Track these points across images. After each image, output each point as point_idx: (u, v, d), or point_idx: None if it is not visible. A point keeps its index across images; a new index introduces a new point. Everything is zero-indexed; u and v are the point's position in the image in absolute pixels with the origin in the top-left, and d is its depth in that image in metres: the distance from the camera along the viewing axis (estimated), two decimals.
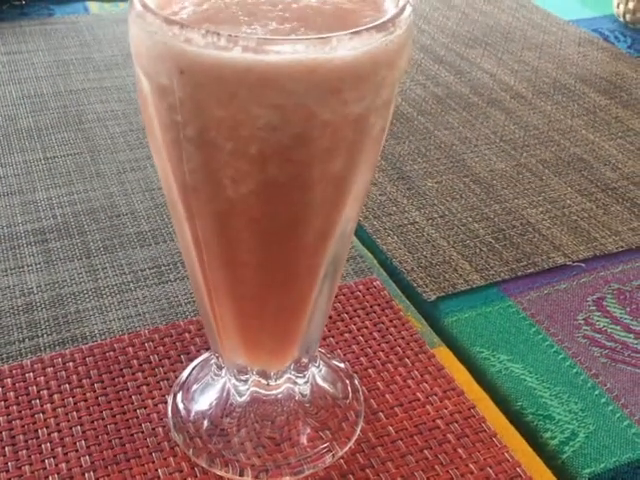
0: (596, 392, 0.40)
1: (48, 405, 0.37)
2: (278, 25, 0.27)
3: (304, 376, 0.36)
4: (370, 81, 0.26)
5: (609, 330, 0.44)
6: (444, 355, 0.41)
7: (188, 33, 0.25)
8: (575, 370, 0.41)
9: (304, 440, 0.36)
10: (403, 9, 0.27)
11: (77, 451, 0.35)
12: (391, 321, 0.43)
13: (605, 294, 0.46)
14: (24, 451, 0.35)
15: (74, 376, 0.39)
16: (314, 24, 0.28)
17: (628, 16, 0.81)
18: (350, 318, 0.43)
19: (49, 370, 0.39)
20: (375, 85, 0.27)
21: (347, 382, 0.39)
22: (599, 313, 0.45)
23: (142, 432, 0.36)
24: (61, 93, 0.66)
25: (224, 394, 0.37)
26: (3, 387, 0.38)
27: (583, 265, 0.48)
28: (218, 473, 0.35)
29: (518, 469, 0.35)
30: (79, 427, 0.36)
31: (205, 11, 0.28)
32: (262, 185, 0.27)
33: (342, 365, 0.40)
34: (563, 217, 0.53)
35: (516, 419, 0.38)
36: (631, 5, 0.80)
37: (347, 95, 0.26)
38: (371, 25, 0.26)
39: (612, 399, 0.39)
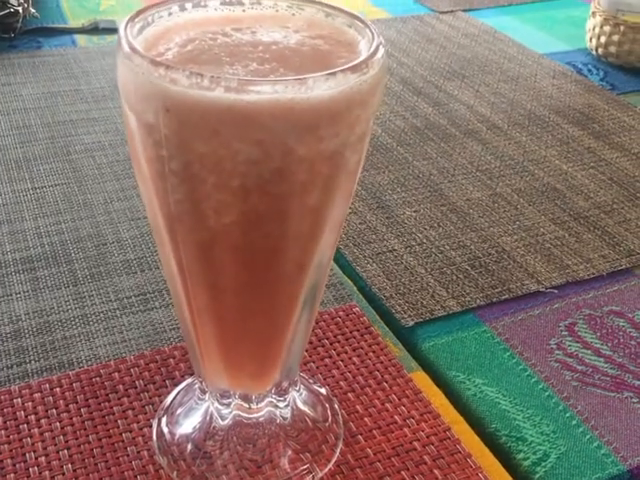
0: (567, 414, 0.41)
1: (36, 429, 0.38)
2: (258, 66, 0.29)
3: (285, 400, 0.38)
4: (345, 119, 0.28)
5: (580, 354, 0.45)
6: (421, 379, 0.43)
7: (173, 74, 0.26)
8: (547, 393, 0.42)
9: (285, 462, 0.37)
10: (376, 51, 0.29)
11: (64, 474, 0.36)
12: (370, 346, 0.44)
13: (577, 319, 0.48)
14: (12, 475, 0.36)
15: (61, 401, 0.40)
16: (292, 65, 0.29)
17: (600, 50, 0.84)
18: (330, 343, 0.44)
19: (37, 395, 0.40)
20: (350, 122, 0.28)
21: (327, 406, 0.40)
22: (571, 338, 0.46)
23: (127, 455, 0.37)
24: (49, 124, 0.67)
25: (207, 418, 0.38)
26: None
27: (556, 291, 0.50)
28: None
29: None
30: (66, 451, 0.37)
31: (189, 52, 0.30)
32: (243, 216, 0.29)
33: (322, 389, 0.41)
34: (537, 245, 0.54)
35: (490, 441, 0.40)
36: (603, 39, 0.83)
37: (323, 132, 0.28)
38: (346, 67, 0.27)
39: (582, 421, 0.41)
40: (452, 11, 0.98)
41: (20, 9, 0.83)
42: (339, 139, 0.28)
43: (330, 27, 0.32)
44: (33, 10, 0.86)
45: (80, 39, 0.86)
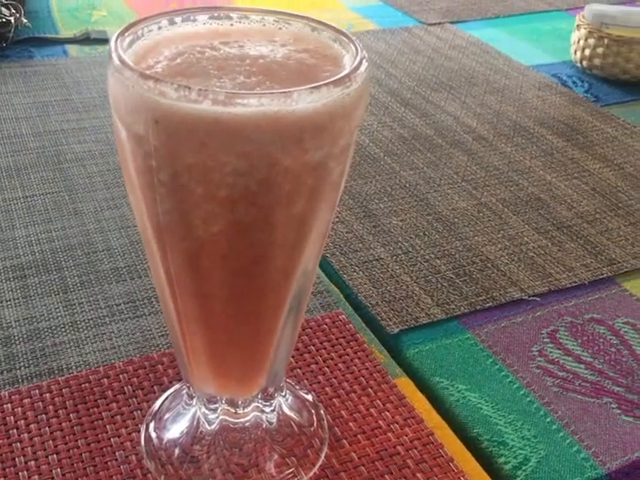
0: (548, 419, 0.42)
1: (25, 434, 0.39)
2: (245, 79, 0.30)
3: (271, 405, 0.38)
4: (329, 131, 0.29)
5: (561, 361, 0.46)
6: (405, 385, 0.43)
7: (162, 87, 0.27)
8: (529, 399, 0.43)
9: (271, 466, 0.38)
10: (359, 65, 0.30)
11: (53, 479, 0.37)
12: (355, 353, 0.45)
13: (558, 327, 0.49)
14: (1, 479, 0.37)
15: (50, 407, 0.41)
16: (278, 78, 0.30)
17: (585, 62, 0.85)
18: (316, 350, 0.45)
19: (26, 401, 0.41)
20: (333, 134, 0.29)
21: (312, 411, 0.41)
22: (552, 345, 0.47)
23: (116, 460, 0.38)
24: (40, 133, 0.68)
25: (194, 423, 0.38)
26: None
27: (538, 299, 0.51)
28: None
29: None
30: (55, 455, 0.38)
31: (178, 65, 0.31)
32: (230, 225, 0.30)
33: (308, 395, 0.42)
34: (520, 254, 0.55)
35: (472, 445, 0.41)
36: (588, 52, 0.85)
37: (307, 144, 0.28)
38: (329, 80, 0.28)
39: (563, 426, 0.42)
40: (440, 23, 1.00)
41: (12, 19, 0.84)
42: (323, 151, 0.29)
43: (316, 41, 0.33)
44: (25, 20, 0.87)
45: (71, 49, 0.86)
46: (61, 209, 0.58)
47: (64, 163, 0.64)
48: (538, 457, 0.40)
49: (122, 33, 0.31)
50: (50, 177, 0.62)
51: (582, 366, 0.46)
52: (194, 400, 0.38)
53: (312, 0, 1.07)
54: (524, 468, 0.39)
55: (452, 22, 1.00)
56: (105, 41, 0.88)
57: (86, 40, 0.88)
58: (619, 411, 0.43)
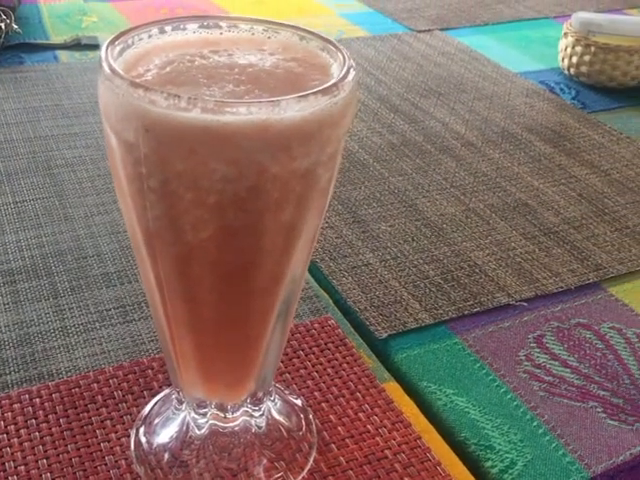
0: (534, 423, 0.42)
1: (15, 439, 0.39)
2: (234, 87, 0.30)
3: (260, 409, 0.39)
4: (316, 139, 0.29)
5: (548, 365, 0.47)
6: (393, 390, 0.44)
7: (152, 95, 0.28)
8: (515, 403, 0.44)
9: (260, 470, 0.38)
10: (347, 74, 0.30)
11: None
12: (344, 357, 0.46)
13: (545, 332, 0.49)
14: None
15: (40, 411, 0.41)
16: (267, 86, 0.31)
17: (572, 69, 0.86)
18: (305, 355, 0.46)
19: (16, 406, 0.41)
20: (321, 142, 0.30)
21: (301, 415, 0.41)
22: (539, 349, 0.48)
23: (105, 464, 0.38)
24: (30, 139, 0.68)
25: (184, 427, 0.39)
26: None
27: (525, 304, 0.52)
28: None
29: None
30: (45, 460, 0.38)
31: (168, 74, 0.31)
32: (219, 231, 0.30)
33: (297, 399, 0.42)
34: (508, 259, 0.56)
35: (460, 449, 0.41)
36: (575, 59, 0.85)
37: (295, 151, 0.29)
38: (317, 89, 0.29)
39: (549, 430, 0.42)
40: (429, 30, 1.01)
41: (2, 25, 0.84)
42: (311, 158, 0.30)
43: (304, 50, 0.33)
44: (16, 26, 0.87)
45: (62, 55, 0.87)
46: (51, 214, 0.58)
47: (54, 169, 0.64)
48: (524, 461, 0.40)
49: (113, 41, 0.31)
50: (40, 182, 0.62)
51: (568, 370, 0.46)
52: (183, 405, 0.39)
53: (302, 7, 1.08)
54: (510, 472, 0.40)
55: (441, 29, 1.01)
56: (96, 47, 0.88)
57: (77, 46, 0.89)
58: (604, 415, 0.43)
